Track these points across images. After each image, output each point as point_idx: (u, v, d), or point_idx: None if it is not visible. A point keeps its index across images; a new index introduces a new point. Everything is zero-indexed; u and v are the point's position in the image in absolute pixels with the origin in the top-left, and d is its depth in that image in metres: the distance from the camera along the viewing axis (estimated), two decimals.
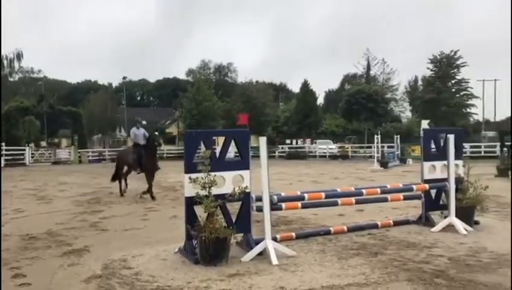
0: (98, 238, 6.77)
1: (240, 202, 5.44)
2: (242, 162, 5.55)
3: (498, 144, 18.62)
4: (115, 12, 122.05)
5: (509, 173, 15.51)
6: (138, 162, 11.57)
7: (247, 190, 5.37)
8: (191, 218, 5.22)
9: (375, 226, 6.83)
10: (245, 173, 5.49)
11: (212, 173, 5.16)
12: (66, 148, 40.47)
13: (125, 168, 12.19)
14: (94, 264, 5.25)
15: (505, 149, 16.54)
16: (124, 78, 63.76)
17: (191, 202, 5.23)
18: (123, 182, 12.21)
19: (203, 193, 5.10)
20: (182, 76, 77.92)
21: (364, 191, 6.52)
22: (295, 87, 66.38)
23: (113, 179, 12.47)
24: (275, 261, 5.00)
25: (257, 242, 5.34)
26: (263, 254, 5.22)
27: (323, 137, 46.57)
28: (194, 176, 5.16)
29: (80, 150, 37.96)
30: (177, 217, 7.87)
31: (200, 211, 5.21)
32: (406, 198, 7.02)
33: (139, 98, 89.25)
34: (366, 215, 8.01)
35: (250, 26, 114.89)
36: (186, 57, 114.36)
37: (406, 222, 7.16)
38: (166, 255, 5.50)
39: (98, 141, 58.80)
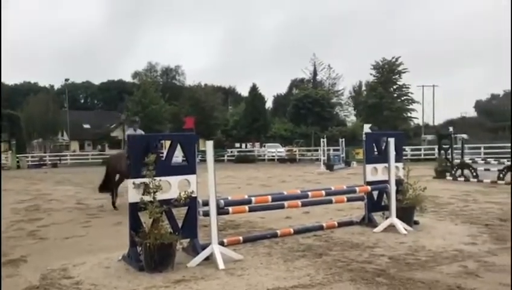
0: (36, 248, 6.45)
1: (186, 207, 5.38)
2: (188, 167, 5.49)
3: (436, 146, 19.53)
4: (57, 10, 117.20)
5: (446, 175, 16.36)
6: None
7: (193, 195, 5.32)
8: (135, 224, 5.09)
9: (321, 228, 6.97)
10: (191, 178, 5.43)
11: (157, 178, 5.07)
12: (2, 153, 38.36)
13: (117, 176, 10.40)
14: (32, 274, 5.00)
15: (442, 152, 17.38)
16: (67, 80, 61.50)
17: (135, 208, 5.10)
18: (115, 192, 10.36)
19: (148, 198, 4.99)
20: (127, 78, 76.00)
21: (309, 193, 6.64)
22: (244, 91, 66.70)
23: (102, 189, 10.62)
24: (221, 265, 4.97)
25: (203, 247, 5.29)
26: (210, 259, 5.18)
27: (272, 141, 47.07)
28: (138, 181, 5.05)
29: (18, 155, 36.14)
30: (122, 223, 7.65)
31: (145, 217, 5.09)
32: (349, 200, 7.22)
33: (82, 101, 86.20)
34: (312, 217, 8.15)
35: (200, 30, 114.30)
36: (133, 59, 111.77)
37: (350, 223, 7.35)
38: (110, 263, 5.33)
39: (38, 145, 56.11)
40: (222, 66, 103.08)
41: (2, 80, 71.20)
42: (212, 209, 5.30)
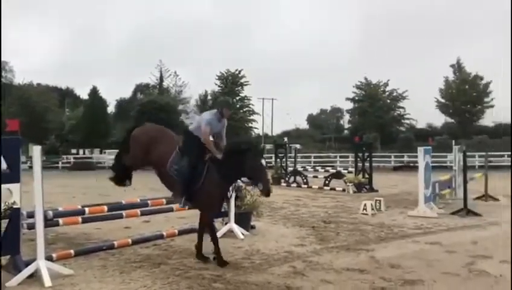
0: None
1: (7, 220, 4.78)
2: (11, 174, 4.88)
3: (273, 155, 20.96)
4: None
5: (281, 181, 17.61)
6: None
7: (15, 206, 4.74)
8: None
9: (161, 237, 6.84)
10: (14, 187, 4.84)
11: None
12: None
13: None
14: None
15: (278, 160, 18.71)
16: None
17: None
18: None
19: None
20: None
21: (149, 202, 6.51)
22: (84, 93, 62.46)
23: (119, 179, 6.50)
24: (48, 283, 4.54)
25: (27, 263, 4.76)
26: (35, 276, 4.69)
27: (114, 147, 44.93)
28: None
29: None
30: None
31: None
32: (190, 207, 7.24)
33: None
34: (152, 226, 7.98)
35: (38, 24, 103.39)
36: None
37: (191, 231, 7.33)
38: None
39: None
40: (60, 66, 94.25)
41: None
42: (39, 221, 4.81)
